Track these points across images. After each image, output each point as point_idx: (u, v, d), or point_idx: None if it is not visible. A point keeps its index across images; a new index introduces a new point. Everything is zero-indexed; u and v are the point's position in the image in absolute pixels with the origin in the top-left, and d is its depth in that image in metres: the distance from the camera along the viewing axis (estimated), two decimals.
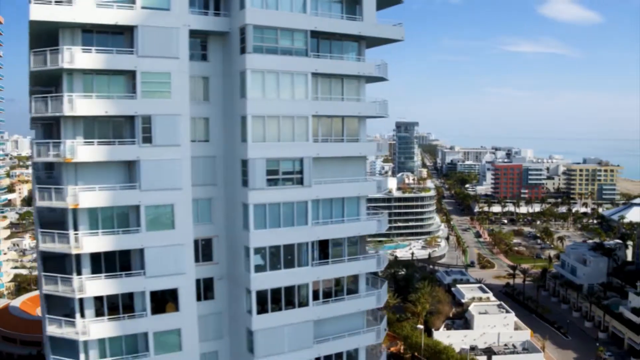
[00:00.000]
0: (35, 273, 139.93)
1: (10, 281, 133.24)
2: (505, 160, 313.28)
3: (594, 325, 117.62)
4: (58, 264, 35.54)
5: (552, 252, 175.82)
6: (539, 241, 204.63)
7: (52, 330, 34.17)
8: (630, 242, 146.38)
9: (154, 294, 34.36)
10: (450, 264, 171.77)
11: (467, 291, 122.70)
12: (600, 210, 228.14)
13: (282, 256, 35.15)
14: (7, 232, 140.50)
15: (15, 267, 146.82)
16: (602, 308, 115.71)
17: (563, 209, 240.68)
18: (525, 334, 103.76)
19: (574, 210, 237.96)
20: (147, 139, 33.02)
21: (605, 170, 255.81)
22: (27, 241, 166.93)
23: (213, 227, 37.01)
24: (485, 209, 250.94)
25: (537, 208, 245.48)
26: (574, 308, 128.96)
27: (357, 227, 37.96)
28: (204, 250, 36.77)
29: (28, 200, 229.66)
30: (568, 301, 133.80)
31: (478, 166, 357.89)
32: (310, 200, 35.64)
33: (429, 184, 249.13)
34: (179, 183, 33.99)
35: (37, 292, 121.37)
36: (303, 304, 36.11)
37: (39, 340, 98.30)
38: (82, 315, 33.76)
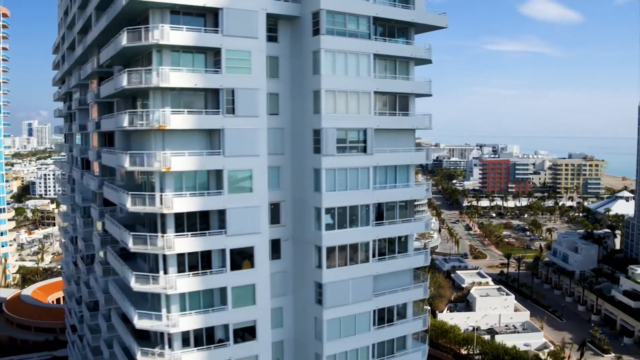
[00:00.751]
0: (41, 265, 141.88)
1: (16, 272, 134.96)
2: (492, 156, 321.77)
3: (586, 309, 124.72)
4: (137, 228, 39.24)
5: (542, 243, 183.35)
6: (528, 233, 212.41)
7: (137, 286, 37.79)
8: (618, 232, 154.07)
9: (231, 252, 38.34)
10: (446, 253, 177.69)
11: (466, 276, 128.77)
12: (585, 203, 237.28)
13: (348, 216, 39.60)
14: (13, 224, 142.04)
15: (16, 261, 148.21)
16: (594, 292, 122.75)
17: (550, 202, 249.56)
18: (525, 315, 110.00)
19: (560, 203, 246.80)
20: (231, 110, 37.05)
21: (590, 165, 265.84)
22: (23, 236, 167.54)
23: (281, 192, 41.20)
24: (474, 203, 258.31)
25: (524, 202, 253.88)
26: (567, 293, 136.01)
27: (409, 192, 42.72)
28: (272, 214, 40.86)
29: (18, 197, 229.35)
30: (561, 287, 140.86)
31: (464, 163, 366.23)
32: (372, 167, 40.16)
33: (419, 178, 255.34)
34: (257, 150, 38.12)
35: (46, 282, 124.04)
36: (364, 260, 40.58)
37: (53, 327, 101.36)
38: (165, 272, 37.61)
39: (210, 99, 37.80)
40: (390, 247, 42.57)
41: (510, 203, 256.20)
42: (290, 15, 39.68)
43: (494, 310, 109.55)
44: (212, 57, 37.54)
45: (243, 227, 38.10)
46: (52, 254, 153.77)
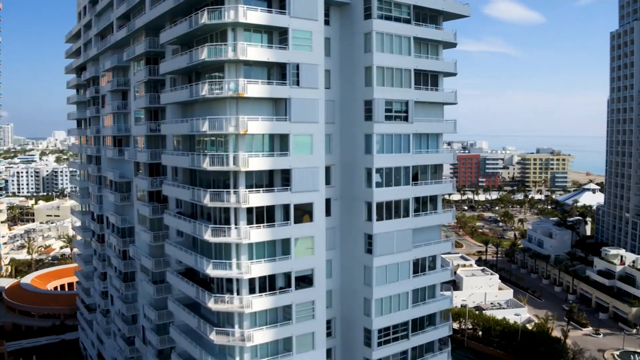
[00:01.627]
0: (35, 257, 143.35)
1: (8, 264, 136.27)
2: (462, 151, 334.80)
3: (562, 290, 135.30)
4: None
5: (516, 232, 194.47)
6: (500, 224, 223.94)
7: (208, 237, 43.25)
8: (588, 219, 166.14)
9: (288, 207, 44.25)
10: None
11: (450, 260, 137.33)
12: (553, 196, 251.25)
13: (393, 176, 46.30)
14: (4, 216, 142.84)
15: (5, 254, 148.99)
16: (570, 273, 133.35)
17: (519, 195, 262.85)
18: (509, 293, 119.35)
19: (529, 196, 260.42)
20: (296, 82, 43.16)
21: (558, 160, 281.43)
22: (5, 231, 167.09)
23: (331, 157, 47.51)
24: (446, 196, 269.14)
25: (494, 195, 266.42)
26: (544, 276, 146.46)
27: (440, 157, 50.04)
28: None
29: None
30: (537, 271, 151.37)
31: None
32: (412, 134, 47.02)
33: None
34: (317, 117, 44.34)
35: (42, 271, 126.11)
36: (405, 215, 47.38)
37: (57, 313, 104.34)
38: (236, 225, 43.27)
39: (275, 72, 43.80)
40: (424, 205, 49.48)
41: (481, 197, 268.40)
42: (342, 1, 46.11)
43: (480, 289, 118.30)
44: (278, 36, 43.52)
45: (305, 185, 44.20)
46: (39, 247, 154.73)
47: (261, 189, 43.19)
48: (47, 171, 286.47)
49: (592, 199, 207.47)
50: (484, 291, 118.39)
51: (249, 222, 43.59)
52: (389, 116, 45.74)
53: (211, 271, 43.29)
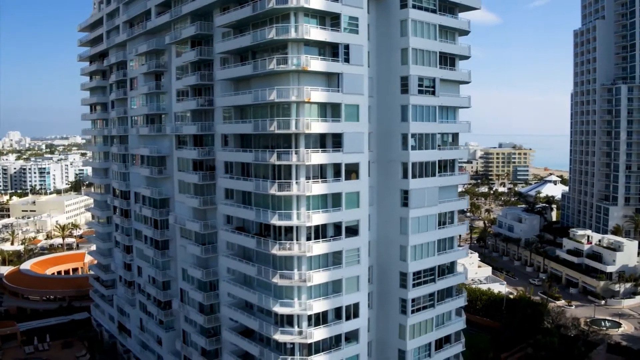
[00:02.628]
0: (19, 247, 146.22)
1: None
2: None
3: (534, 269, 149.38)
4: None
5: (485, 221, 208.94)
6: (468, 214, 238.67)
7: (274, 192, 51.71)
8: (554, 206, 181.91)
9: (337, 165, 53.32)
10: None
11: None
12: (516, 188, 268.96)
13: (423, 141, 56.13)
14: None
15: None
16: (541, 254, 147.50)
17: (483, 188, 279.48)
18: (488, 270, 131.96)
19: (493, 189, 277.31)
20: (346, 59, 52.34)
21: (519, 154, 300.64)
22: None
23: (370, 126, 56.86)
24: None
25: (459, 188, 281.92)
26: (515, 258, 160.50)
27: (458, 127, 60.50)
28: None
29: None
30: (508, 254, 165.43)
31: None
32: (438, 106, 57.01)
33: None
34: (362, 90, 53.68)
35: (39, 259, 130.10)
36: (433, 174, 57.25)
37: (63, 295, 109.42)
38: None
39: (327, 51, 52.82)
40: (444, 168, 59.55)
41: None
42: None
43: (461, 267, 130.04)
44: (330, 20, 52.50)
45: (353, 147, 53.37)
46: (24, 239, 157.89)
47: (319, 150, 52.08)
48: (14, 168, 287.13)
49: (554, 190, 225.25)
50: (464, 268, 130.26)
51: (308, 178, 52.33)
52: (420, 90, 55.55)
53: (276, 221, 51.81)
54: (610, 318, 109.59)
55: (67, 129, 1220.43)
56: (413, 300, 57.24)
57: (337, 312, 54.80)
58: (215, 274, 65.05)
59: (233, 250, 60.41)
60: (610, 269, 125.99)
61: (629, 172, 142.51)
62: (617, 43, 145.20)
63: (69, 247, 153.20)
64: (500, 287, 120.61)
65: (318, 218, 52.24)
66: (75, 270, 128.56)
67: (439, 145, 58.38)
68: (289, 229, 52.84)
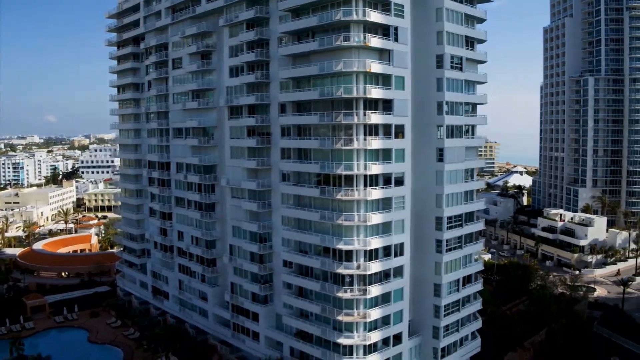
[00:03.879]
0: (16, 234, 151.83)
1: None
2: None
3: (511, 247, 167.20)
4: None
5: None
6: None
7: (340, 146, 64.86)
8: (525, 191, 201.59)
9: (388, 127, 67.04)
10: None
11: None
12: (484, 179, 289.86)
13: (454, 108, 70.66)
14: None
15: None
16: (518, 233, 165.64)
17: None
18: None
19: None
20: (395, 39, 66.33)
21: (486, 147, 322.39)
22: None
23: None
24: None
25: None
26: (492, 238, 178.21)
27: (477, 98, 75.64)
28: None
29: None
30: (485, 235, 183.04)
31: None
32: (464, 80, 71.61)
33: None
34: (407, 64, 67.86)
35: (47, 240, 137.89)
36: (460, 136, 71.75)
37: (82, 272, 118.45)
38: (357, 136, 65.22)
39: (378, 32, 66.42)
40: (466, 132, 74.15)
41: None
42: None
43: None
44: (381, 7, 66.17)
45: (400, 111, 67.38)
46: (17, 227, 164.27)
47: (376, 111, 65.62)
48: None
49: (521, 180, 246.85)
50: None
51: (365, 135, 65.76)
52: (452, 66, 69.97)
53: (342, 171, 65.02)
54: (585, 285, 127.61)
55: (23, 129, 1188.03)
56: (447, 241, 71.43)
57: (386, 250, 68.36)
58: (269, 227, 77.43)
59: (289, 203, 72.98)
60: (582, 242, 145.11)
61: (596, 157, 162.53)
62: (584, 39, 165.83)
63: (69, 232, 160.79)
64: (488, 256, 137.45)
65: (375, 168, 65.77)
66: (82, 251, 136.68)
67: (466, 111, 73.07)
68: (348, 179, 66.02)
